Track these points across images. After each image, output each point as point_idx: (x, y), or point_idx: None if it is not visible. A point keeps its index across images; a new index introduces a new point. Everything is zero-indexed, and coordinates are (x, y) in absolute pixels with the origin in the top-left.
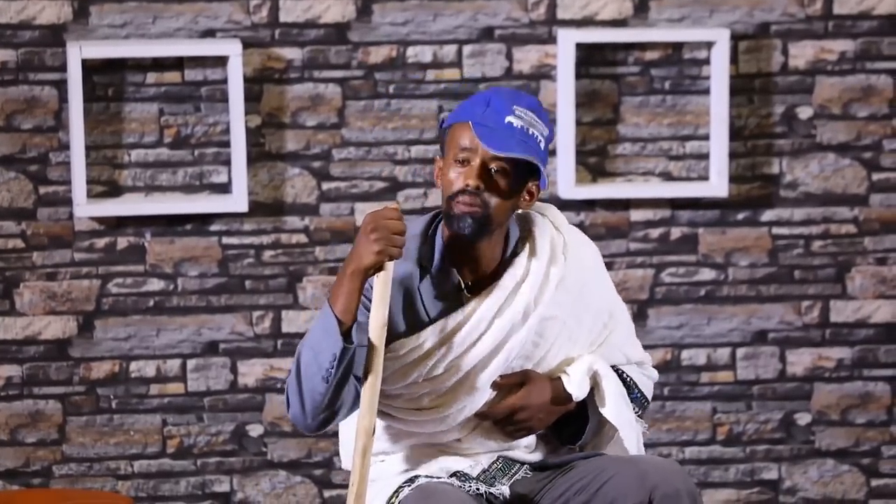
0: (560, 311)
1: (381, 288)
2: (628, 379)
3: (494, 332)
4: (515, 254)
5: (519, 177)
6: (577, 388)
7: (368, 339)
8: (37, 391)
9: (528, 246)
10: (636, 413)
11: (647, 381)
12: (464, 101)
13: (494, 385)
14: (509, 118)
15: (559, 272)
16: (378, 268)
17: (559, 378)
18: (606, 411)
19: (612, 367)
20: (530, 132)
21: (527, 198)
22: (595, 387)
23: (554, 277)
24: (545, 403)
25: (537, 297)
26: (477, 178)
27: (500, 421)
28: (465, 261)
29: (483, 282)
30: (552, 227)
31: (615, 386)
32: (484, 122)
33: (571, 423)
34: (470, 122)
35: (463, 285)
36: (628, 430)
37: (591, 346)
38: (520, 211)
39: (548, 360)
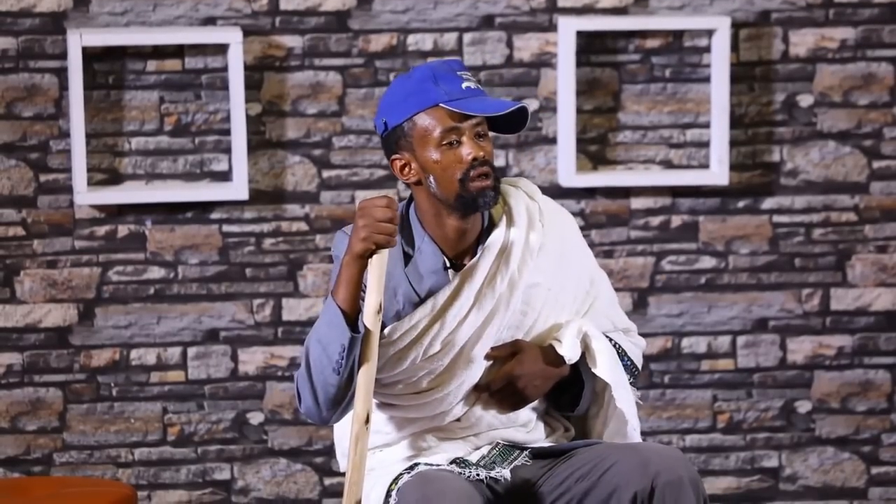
0: (543, 277)
1: (374, 275)
2: (617, 346)
3: (484, 303)
4: (493, 224)
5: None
6: (568, 350)
7: (364, 325)
8: (37, 379)
9: (504, 216)
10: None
11: (635, 349)
12: (396, 94)
13: (487, 356)
14: (465, 84)
15: (539, 238)
16: (371, 254)
17: (550, 345)
18: (599, 370)
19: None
20: (483, 88)
21: None
22: (586, 349)
23: (535, 244)
24: (539, 370)
25: (520, 264)
26: (481, 148)
27: (498, 392)
28: (447, 237)
29: (465, 255)
30: (526, 197)
31: (605, 345)
32: (452, 97)
33: (568, 392)
34: (439, 103)
35: (447, 262)
36: (622, 391)
37: (577, 314)
38: None
39: (537, 329)
